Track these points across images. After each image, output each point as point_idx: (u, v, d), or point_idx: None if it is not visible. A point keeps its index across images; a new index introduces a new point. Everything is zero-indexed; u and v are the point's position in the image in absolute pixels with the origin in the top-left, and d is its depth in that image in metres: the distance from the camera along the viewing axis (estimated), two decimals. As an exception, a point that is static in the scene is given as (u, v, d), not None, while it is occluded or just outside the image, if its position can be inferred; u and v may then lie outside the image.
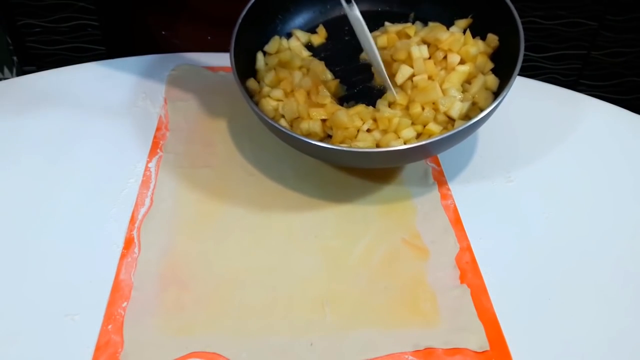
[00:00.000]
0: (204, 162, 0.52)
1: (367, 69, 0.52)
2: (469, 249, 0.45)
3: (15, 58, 1.42)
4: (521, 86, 0.65)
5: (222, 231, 0.46)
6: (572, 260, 0.45)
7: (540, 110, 0.61)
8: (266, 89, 0.52)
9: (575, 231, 0.47)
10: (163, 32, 0.74)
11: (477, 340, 0.39)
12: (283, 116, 0.50)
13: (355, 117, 0.48)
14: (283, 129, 0.46)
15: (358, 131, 0.48)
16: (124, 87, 0.61)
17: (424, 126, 0.48)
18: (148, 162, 0.52)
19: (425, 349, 0.38)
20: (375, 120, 0.48)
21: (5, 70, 1.39)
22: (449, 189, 0.50)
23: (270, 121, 0.46)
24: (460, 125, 0.44)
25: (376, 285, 0.42)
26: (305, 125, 0.48)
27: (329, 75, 0.52)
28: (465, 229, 0.47)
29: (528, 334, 0.40)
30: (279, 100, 0.51)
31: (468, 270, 0.43)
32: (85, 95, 0.60)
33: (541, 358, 0.38)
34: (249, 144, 0.55)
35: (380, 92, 0.51)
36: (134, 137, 0.54)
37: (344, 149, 0.45)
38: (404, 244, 0.45)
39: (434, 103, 0.48)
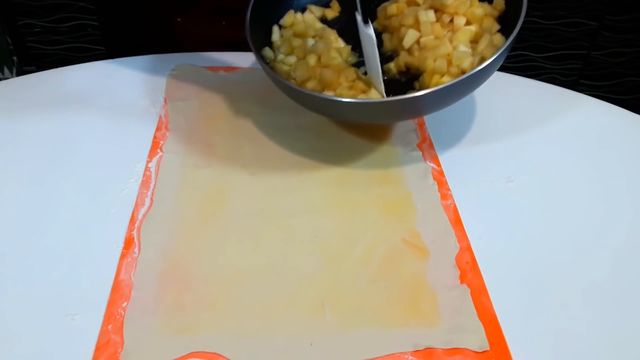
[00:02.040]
0: (204, 162, 0.52)
1: (377, 37, 0.54)
2: (469, 249, 0.45)
3: (15, 58, 1.42)
4: (521, 86, 0.65)
5: (222, 231, 0.46)
6: (573, 261, 0.45)
7: (541, 110, 0.61)
8: (280, 56, 0.55)
9: (576, 231, 0.47)
10: (178, 19, 0.74)
11: (477, 340, 0.39)
12: (295, 80, 0.53)
13: (342, 75, 0.51)
14: (285, 82, 0.49)
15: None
16: (123, 87, 0.61)
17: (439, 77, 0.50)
18: (148, 162, 0.52)
19: (425, 349, 0.38)
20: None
21: (5, 70, 1.39)
22: (449, 189, 0.50)
23: (276, 76, 0.49)
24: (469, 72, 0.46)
25: (376, 285, 0.42)
26: (310, 85, 0.52)
27: (340, 43, 0.55)
28: (465, 229, 0.47)
29: (528, 334, 0.40)
30: (290, 65, 0.54)
31: (468, 270, 0.43)
32: (86, 95, 0.60)
33: (541, 358, 0.38)
34: (250, 143, 0.55)
35: (390, 57, 0.55)
36: (134, 137, 0.54)
37: (346, 100, 0.47)
38: (404, 244, 0.45)
39: (448, 54, 0.50)
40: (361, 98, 0.50)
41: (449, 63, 0.51)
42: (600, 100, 0.62)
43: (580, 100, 0.63)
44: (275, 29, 0.57)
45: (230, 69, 0.65)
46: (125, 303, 0.40)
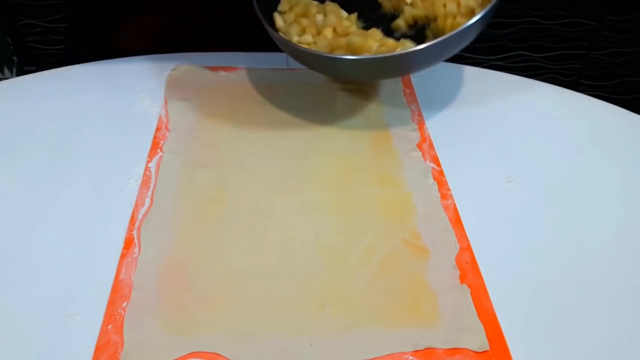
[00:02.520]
0: (204, 162, 0.52)
1: (373, 2, 0.61)
2: (469, 249, 0.45)
3: (15, 58, 1.42)
4: (521, 86, 0.65)
5: (222, 231, 0.46)
6: (573, 260, 0.45)
7: (540, 110, 0.61)
8: (295, 38, 0.57)
9: (576, 231, 0.47)
10: (113, 33, 0.72)
11: (477, 340, 0.39)
12: None
13: (369, 38, 0.55)
14: (306, 49, 0.52)
15: None
16: (124, 87, 0.61)
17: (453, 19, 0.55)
18: (148, 162, 0.52)
19: (425, 349, 0.38)
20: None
21: (5, 70, 1.39)
22: (449, 189, 0.50)
23: (305, 49, 0.52)
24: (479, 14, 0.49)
25: (376, 285, 0.42)
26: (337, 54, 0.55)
27: (344, 13, 0.59)
28: (465, 229, 0.47)
29: (528, 334, 0.40)
30: (309, 43, 0.57)
31: (468, 270, 0.43)
32: (85, 95, 0.60)
33: (541, 358, 0.38)
34: (250, 143, 0.55)
35: (393, 17, 0.60)
36: (134, 137, 0.54)
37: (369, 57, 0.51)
38: (404, 244, 0.45)
39: None
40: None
41: (458, 5, 0.54)
42: (600, 100, 0.62)
43: (580, 100, 0.63)
44: (277, 15, 0.59)
45: (230, 69, 0.65)
46: (125, 303, 0.40)
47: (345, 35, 0.57)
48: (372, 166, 0.53)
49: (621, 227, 0.48)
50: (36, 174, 0.50)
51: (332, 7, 0.60)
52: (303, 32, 0.58)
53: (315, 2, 0.61)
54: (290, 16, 0.59)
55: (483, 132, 0.57)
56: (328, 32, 0.57)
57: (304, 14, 0.59)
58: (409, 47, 0.53)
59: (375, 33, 0.56)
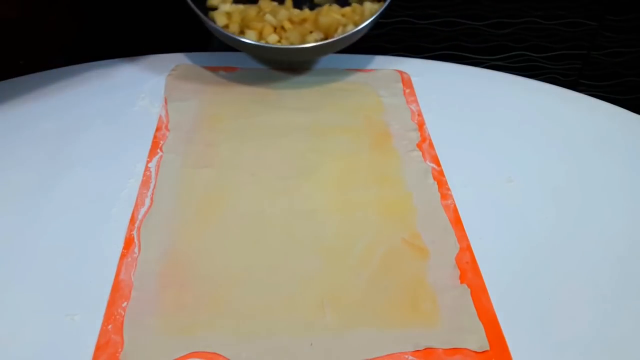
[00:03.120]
0: (204, 162, 0.52)
1: None
2: (469, 249, 0.45)
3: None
4: (521, 86, 0.65)
5: (222, 231, 0.46)
6: (572, 260, 0.45)
7: (540, 110, 0.61)
8: (262, 42, 0.59)
9: (575, 231, 0.47)
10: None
11: (477, 340, 0.39)
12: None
13: (331, 13, 0.60)
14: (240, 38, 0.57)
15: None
16: (124, 87, 0.61)
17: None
18: (148, 162, 0.52)
19: (425, 349, 0.38)
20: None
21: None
22: (449, 189, 0.50)
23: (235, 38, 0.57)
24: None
25: (376, 285, 0.42)
26: (312, 37, 0.59)
27: (275, 3, 0.64)
28: (465, 229, 0.47)
29: (528, 334, 0.40)
30: (279, 40, 0.60)
31: (468, 270, 0.43)
32: (85, 95, 0.60)
33: (541, 358, 0.38)
34: (250, 143, 0.55)
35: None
36: (134, 137, 0.54)
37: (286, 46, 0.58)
38: (404, 244, 0.45)
39: None
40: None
41: None
42: (600, 100, 0.63)
43: (580, 100, 0.63)
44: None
45: (230, 69, 0.65)
46: (125, 303, 0.40)
47: (304, 21, 0.61)
48: (372, 166, 0.53)
49: (621, 227, 0.48)
50: (36, 174, 0.50)
51: (265, 3, 0.63)
52: (261, 34, 0.60)
53: (247, 5, 0.62)
54: (234, 27, 0.60)
55: (483, 132, 0.57)
56: (288, 24, 0.60)
57: (248, 19, 0.60)
58: (369, 7, 0.60)
59: (333, 7, 0.61)
